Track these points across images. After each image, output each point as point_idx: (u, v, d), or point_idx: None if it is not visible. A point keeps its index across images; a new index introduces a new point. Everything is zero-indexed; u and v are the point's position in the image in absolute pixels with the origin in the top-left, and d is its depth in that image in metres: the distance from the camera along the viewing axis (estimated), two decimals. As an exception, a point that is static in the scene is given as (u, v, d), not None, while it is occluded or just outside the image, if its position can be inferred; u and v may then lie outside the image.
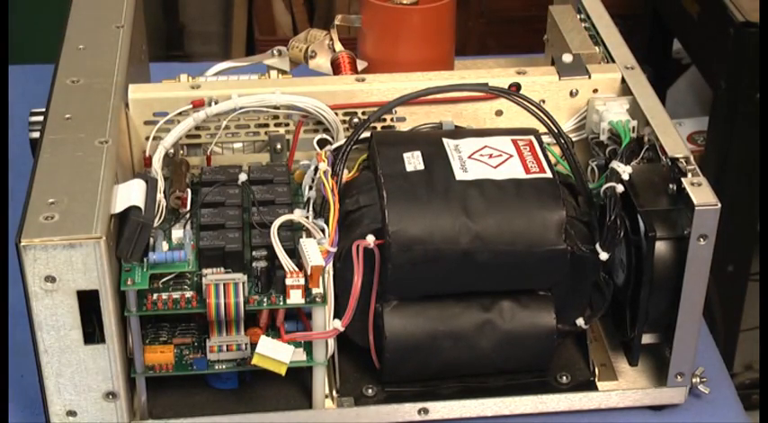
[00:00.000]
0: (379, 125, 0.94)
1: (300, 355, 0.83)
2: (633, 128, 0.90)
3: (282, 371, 0.81)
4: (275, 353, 0.80)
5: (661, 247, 0.83)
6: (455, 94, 0.93)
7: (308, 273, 0.80)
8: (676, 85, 2.25)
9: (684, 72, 2.24)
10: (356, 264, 0.81)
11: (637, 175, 0.86)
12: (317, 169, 0.86)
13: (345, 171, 0.88)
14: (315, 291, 0.81)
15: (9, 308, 0.95)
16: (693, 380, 0.89)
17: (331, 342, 0.85)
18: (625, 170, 0.86)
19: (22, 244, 0.76)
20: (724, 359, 0.95)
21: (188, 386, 0.87)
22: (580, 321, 0.87)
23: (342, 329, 0.82)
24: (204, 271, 0.82)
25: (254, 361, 0.80)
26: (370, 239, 0.82)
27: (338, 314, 0.83)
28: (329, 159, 0.87)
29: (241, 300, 0.80)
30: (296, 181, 0.90)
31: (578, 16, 1.07)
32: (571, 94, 0.95)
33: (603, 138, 0.92)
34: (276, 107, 0.92)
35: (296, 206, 0.86)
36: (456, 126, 0.94)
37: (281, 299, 0.82)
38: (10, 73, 1.08)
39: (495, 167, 0.85)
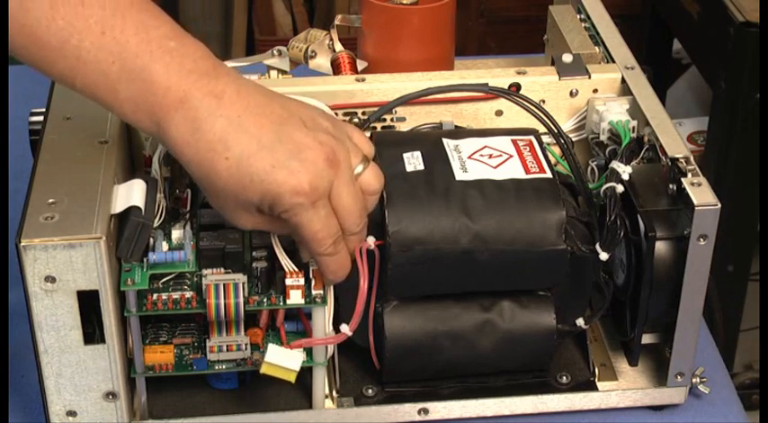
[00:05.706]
0: (379, 125, 0.94)
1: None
2: (633, 128, 0.90)
3: (292, 378, 0.80)
4: (284, 361, 0.80)
5: (661, 247, 0.83)
6: (455, 94, 0.93)
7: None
8: (676, 85, 2.25)
9: (684, 72, 2.24)
10: (361, 267, 0.81)
11: (637, 175, 0.86)
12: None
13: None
14: (315, 291, 0.81)
15: (9, 308, 0.95)
16: (693, 380, 0.88)
17: (331, 342, 0.85)
18: (625, 170, 0.86)
19: (22, 244, 0.76)
20: (724, 359, 0.95)
21: (188, 386, 0.87)
22: (580, 321, 0.87)
23: (350, 334, 0.82)
24: (204, 271, 0.82)
25: (263, 370, 0.80)
26: (371, 240, 0.82)
27: (337, 315, 0.83)
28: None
29: (241, 300, 0.80)
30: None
31: (578, 16, 1.07)
32: (571, 94, 0.95)
33: (603, 138, 0.92)
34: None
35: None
36: (456, 126, 0.94)
37: (281, 299, 0.82)
38: (10, 73, 1.08)
39: (495, 167, 0.85)
